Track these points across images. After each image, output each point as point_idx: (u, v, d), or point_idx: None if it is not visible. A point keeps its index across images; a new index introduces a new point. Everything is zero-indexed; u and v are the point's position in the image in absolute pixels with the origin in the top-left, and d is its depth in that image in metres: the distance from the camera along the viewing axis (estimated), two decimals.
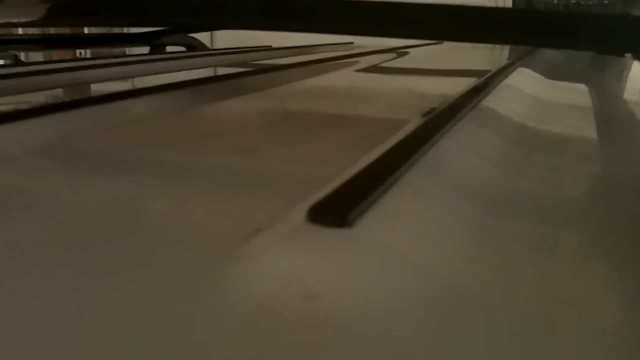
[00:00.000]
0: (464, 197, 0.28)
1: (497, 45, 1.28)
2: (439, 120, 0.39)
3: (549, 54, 1.09)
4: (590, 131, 0.48)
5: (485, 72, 0.70)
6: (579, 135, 0.49)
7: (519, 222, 0.26)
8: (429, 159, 0.30)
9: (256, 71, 0.85)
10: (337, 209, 0.21)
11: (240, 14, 0.54)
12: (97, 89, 0.71)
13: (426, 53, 1.21)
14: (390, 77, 0.84)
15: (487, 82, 0.59)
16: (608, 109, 0.60)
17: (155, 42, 1.35)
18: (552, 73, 0.87)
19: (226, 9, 0.55)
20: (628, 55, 1.01)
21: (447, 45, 1.31)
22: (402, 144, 0.32)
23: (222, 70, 0.92)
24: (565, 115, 0.58)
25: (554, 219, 0.27)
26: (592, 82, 0.80)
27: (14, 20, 0.57)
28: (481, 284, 0.20)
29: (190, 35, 1.44)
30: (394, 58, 1.06)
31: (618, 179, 0.36)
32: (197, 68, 0.93)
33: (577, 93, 0.71)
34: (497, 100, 0.52)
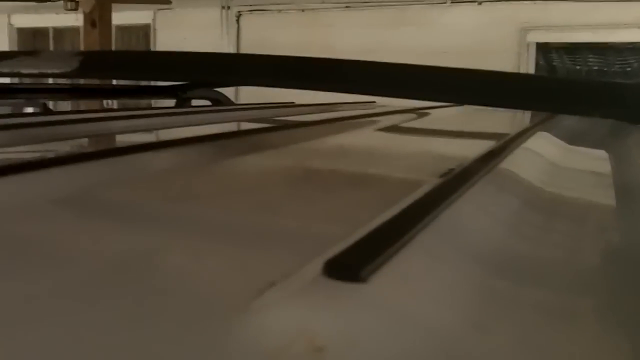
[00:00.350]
0: (477, 260, 0.28)
1: (517, 110, 1.29)
2: (455, 181, 0.39)
3: (569, 120, 1.10)
4: (607, 198, 0.48)
5: (504, 135, 0.71)
6: (596, 202, 0.49)
7: (532, 288, 0.26)
8: (444, 219, 0.31)
9: (278, 127, 0.86)
10: (352, 265, 0.22)
11: (267, 73, 0.55)
12: (122, 140, 0.73)
13: (447, 115, 1.22)
14: (410, 138, 0.85)
15: (505, 146, 0.60)
16: (626, 176, 0.60)
17: (181, 96, 1.37)
18: (572, 139, 0.87)
19: (251, 68, 0.57)
20: None
21: (468, 107, 1.32)
22: (417, 204, 0.32)
23: (245, 126, 0.93)
24: (582, 181, 0.59)
25: (568, 286, 0.27)
26: (612, 149, 0.80)
27: (48, 71, 0.59)
28: (489, 349, 0.20)
29: (215, 89, 1.46)
30: (415, 118, 1.07)
31: (635, 247, 0.36)
32: (221, 122, 0.94)
33: (595, 160, 0.72)
34: (515, 164, 0.53)
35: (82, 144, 0.67)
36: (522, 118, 1.23)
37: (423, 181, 0.41)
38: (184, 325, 0.18)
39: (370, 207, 0.35)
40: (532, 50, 5.33)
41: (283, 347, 0.17)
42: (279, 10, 5.78)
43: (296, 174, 0.49)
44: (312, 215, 0.34)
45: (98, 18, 4.04)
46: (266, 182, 0.44)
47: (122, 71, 0.63)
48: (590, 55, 5.31)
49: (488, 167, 0.47)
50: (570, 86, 0.55)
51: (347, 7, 5.58)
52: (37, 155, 0.56)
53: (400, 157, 0.63)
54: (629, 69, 5.24)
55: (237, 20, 5.89)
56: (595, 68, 5.30)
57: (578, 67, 5.30)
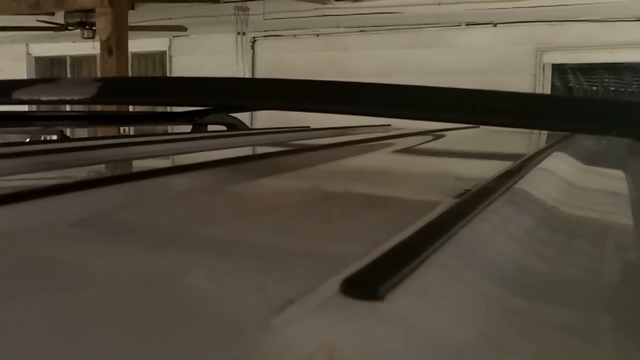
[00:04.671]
0: (493, 279, 0.28)
1: (533, 130, 1.29)
2: (471, 202, 0.39)
3: (586, 140, 1.10)
4: (624, 218, 0.48)
5: (520, 156, 0.71)
6: (613, 222, 0.49)
7: (549, 307, 0.26)
8: (460, 239, 0.31)
9: (296, 150, 0.87)
10: (370, 282, 0.22)
11: (281, 97, 0.56)
12: (138, 165, 0.73)
13: (462, 136, 1.23)
14: (425, 159, 0.85)
15: (521, 166, 0.60)
16: None
17: (197, 121, 1.38)
18: (588, 159, 0.87)
19: (267, 92, 0.57)
20: None
21: (484, 128, 1.32)
22: (434, 223, 0.33)
23: (263, 149, 0.94)
24: (599, 201, 0.58)
25: (585, 305, 0.27)
26: (629, 169, 0.80)
27: (67, 97, 0.60)
28: None
29: (231, 114, 1.47)
30: (430, 140, 1.07)
31: None
32: (238, 146, 0.95)
33: (612, 179, 0.71)
34: (531, 185, 0.53)
35: (102, 170, 0.68)
36: (539, 138, 1.22)
37: (439, 202, 0.41)
38: (204, 343, 0.18)
39: (387, 226, 0.35)
40: (548, 71, 5.30)
41: None
42: (294, 35, 5.81)
43: (314, 195, 0.49)
44: (331, 234, 0.34)
45: (115, 46, 4.08)
46: (286, 204, 0.45)
47: (143, 97, 0.64)
48: (607, 76, 5.27)
49: (504, 188, 0.47)
50: (587, 105, 0.55)
51: (361, 31, 5.61)
52: (58, 180, 0.56)
53: (416, 178, 0.63)
54: None
55: (252, 46, 5.94)
56: (612, 88, 5.26)
57: (594, 88, 5.26)
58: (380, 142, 1.01)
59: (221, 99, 0.62)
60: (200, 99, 0.68)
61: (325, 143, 0.94)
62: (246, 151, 0.93)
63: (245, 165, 0.63)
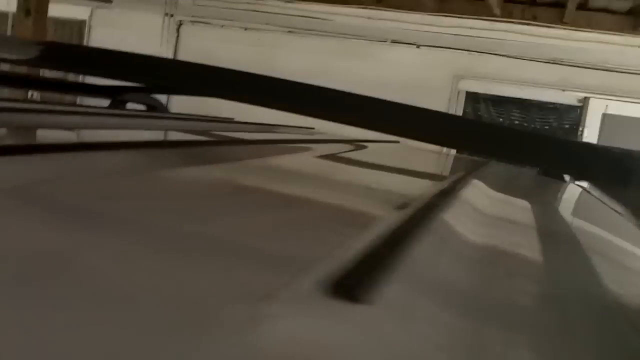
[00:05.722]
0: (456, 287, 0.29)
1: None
2: (415, 216, 0.40)
3: (499, 168, 1.13)
4: (530, 245, 0.49)
5: (440, 175, 0.72)
6: (516, 249, 0.50)
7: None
8: (403, 253, 0.31)
9: (213, 142, 0.85)
10: (346, 284, 0.22)
11: (214, 84, 0.55)
12: (44, 135, 0.67)
13: (383, 149, 1.24)
14: (352, 169, 0.85)
15: (450, 184, 0.61)
16: (547, 225, 0.63)
17: (116, 97, 1.35)
18: (498, 186, 0.90)
19: (204, 78, 0.56)
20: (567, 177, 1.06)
21: (403, 144, 1.35)
22: (379, 235, 0.33)
23: (180, 136, 0.91)
24: (505, 228, 0.60)
25: (488, 327, 0.27)
26: (534, 198, 0.83)
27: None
28: None
29: (151, 95, 1.44)
30: (353, 150, 1.08)
31: (557, 290, 0.37)
32: (155, 129, 0.92)
33: (517, 207, 0.74)
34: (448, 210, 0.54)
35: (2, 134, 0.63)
36: (453, 159, 1.26)
37: (378, 214, 0.41)
38: (178, 341, 0.17)
39: (330, 235, 0.35)
40: (462, 98, 5.49)
41: None
42: (222, 26, 5.76)
43: (231, 191, 0.46)
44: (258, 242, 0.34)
45: (33, 7, 3.92)
46: (193, 196, 0.42)
47: (78, 67, 0.61)
48: (515, 110, 5.52)
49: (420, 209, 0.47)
50: (496, 132, 0.57)
51: (289, 31, 5.62)
52: None
53: (346, 187, 0.63)
54: (547, 127, 5.48)
55: (177, 29, 5.85)
56: (517, 122, 5.51)
57: (501, 119, 5.49)
58: (304, 144, 1.01)
59: (158, 79, 0.61)
60: (133, 76, 0.66)
61: (248, 138, 0.93)
62: (163, 136, 0.90)
63: (162, 152, 0.61)
